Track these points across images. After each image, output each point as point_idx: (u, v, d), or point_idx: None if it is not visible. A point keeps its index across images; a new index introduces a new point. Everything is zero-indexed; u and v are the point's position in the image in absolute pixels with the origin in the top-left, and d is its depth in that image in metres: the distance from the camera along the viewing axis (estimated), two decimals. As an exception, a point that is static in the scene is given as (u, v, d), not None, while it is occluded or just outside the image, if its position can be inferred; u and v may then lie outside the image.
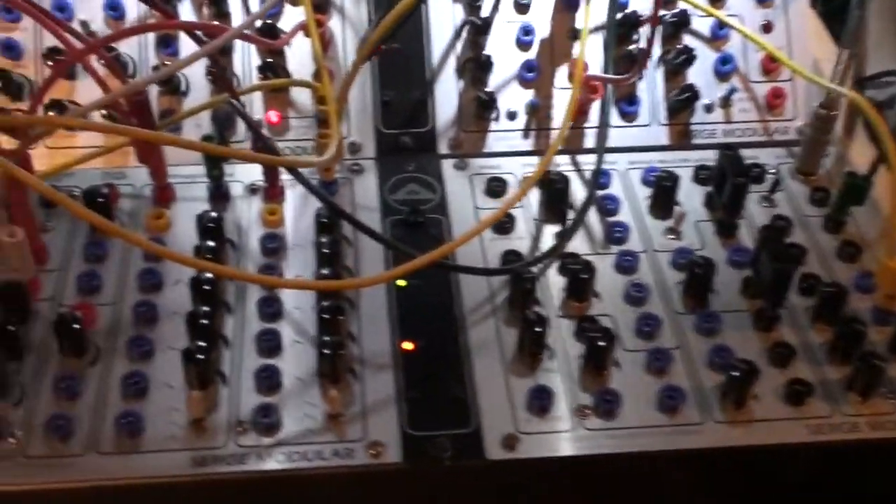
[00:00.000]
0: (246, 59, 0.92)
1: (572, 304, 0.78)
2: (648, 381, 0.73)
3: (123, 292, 0.77)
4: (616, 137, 0.93)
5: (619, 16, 0.93)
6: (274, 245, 0.81)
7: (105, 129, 0.80)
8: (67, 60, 0.73)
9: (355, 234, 0.82)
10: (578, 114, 0.93)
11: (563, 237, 0.83)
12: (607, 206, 0.86)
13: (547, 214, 0.86)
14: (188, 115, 0.83)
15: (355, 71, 0.83)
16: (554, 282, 0.81)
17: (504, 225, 0.84)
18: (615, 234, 0.84)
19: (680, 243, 0.84)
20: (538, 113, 0.93)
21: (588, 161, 0.91)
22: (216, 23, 0.87)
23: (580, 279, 0.77)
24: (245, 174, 0.87)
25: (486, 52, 0.93)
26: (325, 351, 0.70)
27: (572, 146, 0.94)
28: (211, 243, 0.77)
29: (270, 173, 0.85)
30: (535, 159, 0.91)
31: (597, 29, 0.93)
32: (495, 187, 0.87)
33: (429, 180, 0.89)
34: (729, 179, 0.83)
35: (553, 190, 0.84)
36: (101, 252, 0.80)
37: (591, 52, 0.93)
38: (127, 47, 0.91)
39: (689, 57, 0.93)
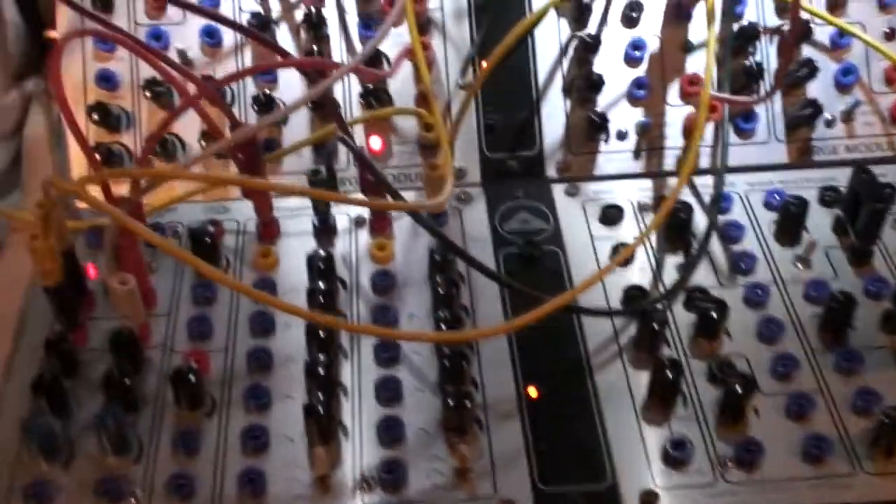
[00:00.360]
0: (346, 84, 0.88)
1: (702, 343, 0.74)
2: (790, 428, 0.69)
3: (235, 337, 0.75)
4: (733, 156, 0.88)
5: (735, 27, 0.87)
6: (385, 283, 0.78)
7: (218, 182, 0.78)
8: (181, 107, 0.70)
9: (468, 267, 0.78)
10: (692, 131, 0.89)
11: (688, 269, 0.78)
12: (731, 234, 0.82)
13: (668, 243, 0.81)
14: (295, 149, 0.80)
15: (467, 105, 0.79)
16: (680, 316, 0.76)
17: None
18: (741, 264, 0.80)
19: (811, 273, 0.79)
20: (649, 132, 0.89)
21: (704, 183, 0.87)
22: (325, 59, 0.84)
23: (711, 318, 0.73)
24: (350, 206, 0.84)
25: (594, 68, 0.89)
26: (451, 402, 0.67)
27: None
28: (323, 285, 0.74)
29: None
30: (648, 182, 0.87)
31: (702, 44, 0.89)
32: (611, 215, 0.83)
33: (540, 208, 0.85)
34: (864, 204, 0.78)
35: (675, 219, 0.80)
36: (210, 294, 0.77)
37: (700, 65, 0.88)
38: (224, 72, 0.88)
39: (810, 70, 0.88)
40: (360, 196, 0.77)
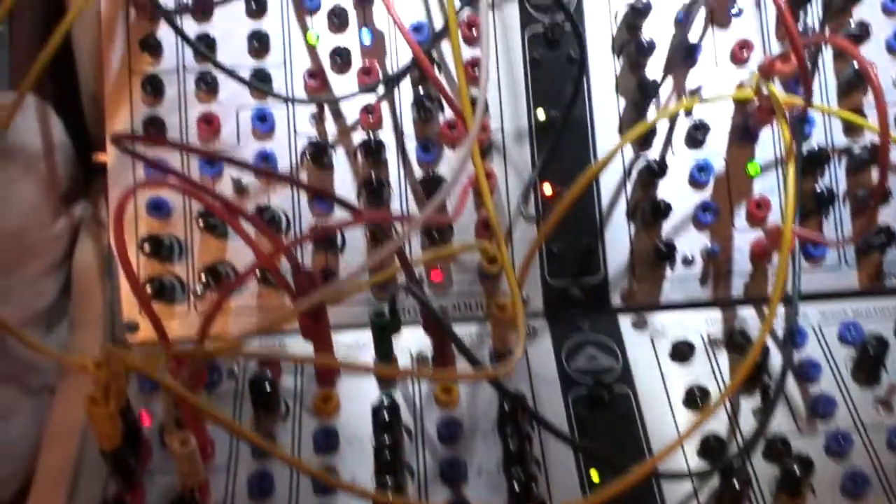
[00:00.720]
0: (405, 212, 0.86)
1: (785, 501, 0.71)
2: None
3: (298, 497, 0.72)
4: (802, 282, 0.85)
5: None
6: (452, 431, 0.75)
7: (286, 358, 0.75)
8: (252, 267, 0.68)
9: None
10: (761, 257, 0.86)
11: (766, 416, 0.75)
12: (807, 373, 0.79)
13: (742, 384, 0.78)
14: (357, 290, 0.77)
15: (533, 251, 0.76)
16: (759, 466, 0.74)
17: (697, 398, 0.77)
18: (820, 407, 0.77)
19: (893, 419, 0.76)
20: (716, 258, 0.86)
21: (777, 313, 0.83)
22: (389, 214, 0.84)
23: (795, 477, 0.70)
24: (412, 340, 0.81)
25: (659, 192, 0.86)
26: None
27: (753, 293, 0.86)
28: (388, 439, 0.72)
29: (441, 343, 0.79)
30: (717, 313, 0.84)
31: (775, 163, 0.87)
32: (682, 351, 0.81)
33: (607, 343, 0.82)
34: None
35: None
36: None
37: (768, 185, 0.86)
38: (279, 200, 0.85)
39: (884, 194, 0.85)
40: (427, 368, 0.74)
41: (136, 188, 0.68)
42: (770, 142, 0.88)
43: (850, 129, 0.88)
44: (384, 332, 0.77)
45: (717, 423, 0.77)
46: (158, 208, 0.85)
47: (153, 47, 0.86)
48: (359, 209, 0.78)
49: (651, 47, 0.84)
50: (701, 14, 0.87)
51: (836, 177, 0.88)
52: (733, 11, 0.88)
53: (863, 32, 0.86)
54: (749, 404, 0.78)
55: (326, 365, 0.73)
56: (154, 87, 0.85)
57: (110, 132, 0.86)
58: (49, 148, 0.85)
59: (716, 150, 0.87)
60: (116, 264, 0.85)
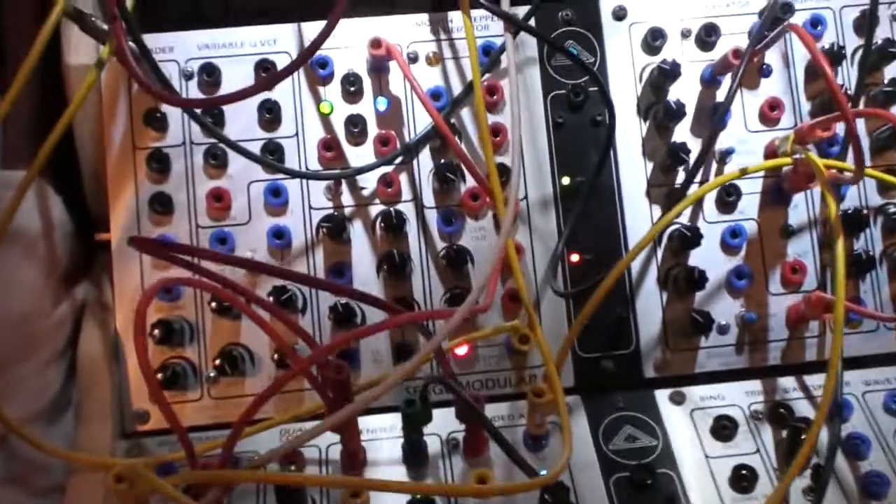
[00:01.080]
0: (427, 286, 0.82)
1: (845, 589, 0.68)
2: None
3: None
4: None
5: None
6: (493, 525, 0.71)
7: (312, 483, 0.71)
8: (282, 380, 0.63)
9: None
10: (798, 323, 0.83)
11: (819, 495, 0.72)
12: (856, 450, 0.76)
13: (789, 462, 0.75)
14: (395, 384, 0.73)
15: (572, 337, 0.73)
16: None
17: (745, 479, 0.74)
18: (872, 486, 0.74)
19: (950, 495, 0.73)
20: (752, 326, 0.83)
21: (815, 383, 0.81)
22: (427, 313, 0.80)
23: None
24: (441, 423, 0.76)
25: (690, 258, 0.83)
26: None
27: (790, 359, 0.83)
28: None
29: (475, 431, 0.75)
30: (757, 384, 0.81)
31: (808, 224, 0.84)
32: (724, 429, 0.77)
33: (646, 420, 0.79)
34: None
35: (796, 436, 0.74)
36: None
37: (802, 247, 0.84)
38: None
39: (922, 256, 0.82)
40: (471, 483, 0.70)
41: (158, 286, 0.63)
42: (802, 203, 0.84)
43: (884, 189, 0.85)
44: (415, 423, 0.73)
45: (767, 506, 0.73)
46: (168, 291, 0.80)
47: (157, 121, 0.81)
48: (394, 307, 0.73)
49: (681, 110, 0.81)
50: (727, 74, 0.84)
51: (871, 238, 0.85)
52: (761, 70, 0.85)
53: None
54: (798, 484, 0.74)
55: (354, 485, 0.68)
56: (160, 163, 0.81)
57: (114, 210, 0.82)
58: (48, 228, 0.81)
59: (747, 212, 0.84)
60: (123, 350, 0.80)
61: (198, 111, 0.79)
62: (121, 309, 0.80)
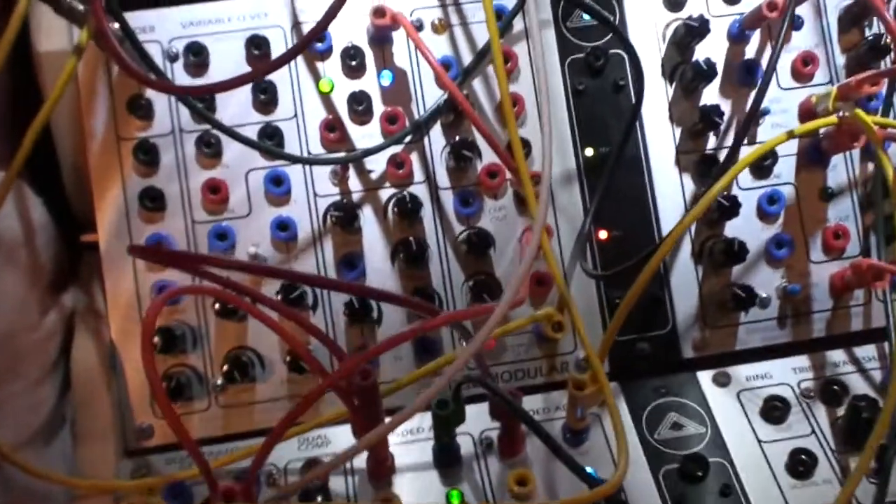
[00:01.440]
0: (447, 274, 0.76)
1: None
2: None
3: None
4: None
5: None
6: (535, 530, 0.65)
7: None
8: (311, 397, 0.56)
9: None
10: (842, 291, 0.78)
11: (882, 488, 0.67)
12: (919, 425, 0.70)
13: (848, 443, 0.70)
14: (415, 412, 0.65)
15: (614, 329, 0.67)
16: (882, 542, 0.65)
17: (803, 464, 0.69)
18: (940, 465, 0.68)
19: None
20: (795, 297, 0.77)
21: (867, 355, 0.76)
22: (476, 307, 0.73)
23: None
24: (473, 422, 0.70)
25: (726, 229, 0.77)
26: None
27: (836, 330, 0.78)
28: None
29: (510, 425, 0.69)
30: (805, 360, 0.76)
31: (849, 186, 0.79)
32: (775, 411, 0.72)
33: (691, 406, 0.74)
34: None
35: (856, 417, 0.69)
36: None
37: (843, 211, 0.79)
38: (303, 269, 0.75)
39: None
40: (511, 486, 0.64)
41: (166, 298, 0.56)
42: (842, 163, 0.79)
43: (925, 144, 0.79)
44: (448, 424, 0.67)
45: (828, 490, 0.68)
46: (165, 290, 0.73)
47: (143, 108, 0.74)
48: (436, 310, 0.67)
49: (712, 70, 0.75)
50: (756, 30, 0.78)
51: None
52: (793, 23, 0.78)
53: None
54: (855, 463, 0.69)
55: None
56: (147, 154, 0.74)
57: (100, 209, 0.74)
58: (30, 233, 0.74)
59: (784, 176, 0.78)
60: (121, 360, 0.73)
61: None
62: (115, 315, 0.73)
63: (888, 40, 0.76)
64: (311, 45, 0.73)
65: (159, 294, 0.73)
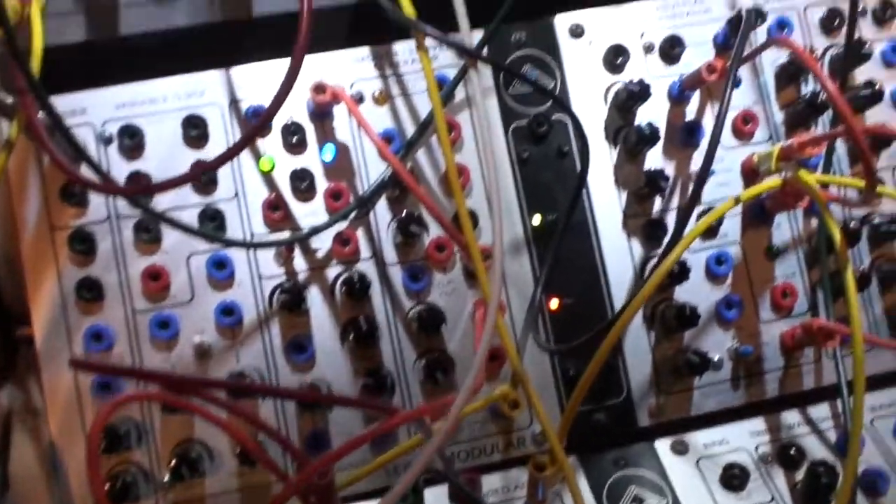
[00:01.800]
0: (398, 352, 0.74)
1: None
2: None
3: None
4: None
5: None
6: None
7: None
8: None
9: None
10: (794, 349, 0.78)
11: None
12: (873, 485, 0.71)
13: (806, 506, 0.70)
14: (372, 471, 0.64)
15: (574, 405, 0.66)
16: None
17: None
18: (897, 526, 0.69)
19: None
20: (747, 358, 0.77)
21: (821, 415, 0.76)
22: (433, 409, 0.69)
23: None
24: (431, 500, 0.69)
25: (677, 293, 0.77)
26: None
27: (789, 389, 0.78)
28: None
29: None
30: (760, 423, 0.76)
31: (794, 243, 0.80)
32: (734, 479, 0.72)
33: (651, 478, 0.73)
34: None
35: (814, 482, 0.69)
36: None
37: (789, 269, 0.80)
38: (250, 356, 0.72)
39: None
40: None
41: (117, 405, 0.54)
42: (785, 221, 0.79)
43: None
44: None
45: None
46: (106, 388, 0.70)
47: (76, 196, 0.72)
48: (393, 408, 0.65)
49: (655, 134, 0.74)
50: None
51: (859, 252, 0.80)
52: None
53: (875, 93, 0.78)
54: (818, 529, 0.69)
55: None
56: (83, 243, 0.71)
57: (35, 301, 0.71)
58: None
59: (730, 236, 0.78)
60: (62, 460, 0.70)
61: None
62: (54, 413, 0.70)
63: (825, 98, 0.76)
64: (253, 140, 0.71)
65: (100, 393, 0.70)
